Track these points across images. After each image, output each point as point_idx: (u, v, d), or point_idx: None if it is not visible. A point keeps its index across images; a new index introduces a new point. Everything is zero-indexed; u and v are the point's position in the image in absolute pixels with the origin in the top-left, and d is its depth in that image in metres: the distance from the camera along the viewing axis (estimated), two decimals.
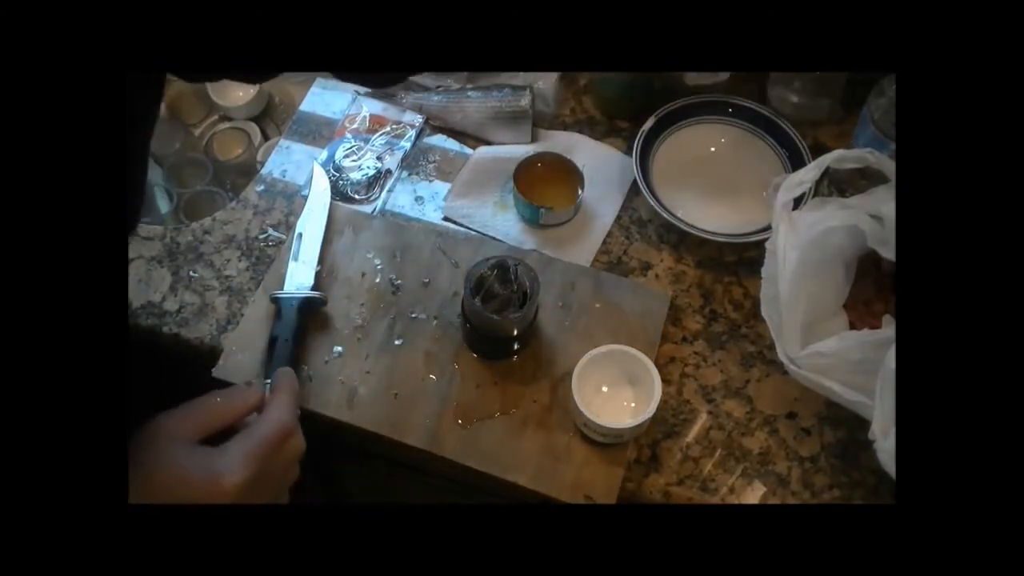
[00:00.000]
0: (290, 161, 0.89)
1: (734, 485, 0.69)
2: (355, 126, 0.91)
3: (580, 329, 0.75)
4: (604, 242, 0.82)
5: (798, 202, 0.76)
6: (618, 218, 0.83)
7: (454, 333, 0.75)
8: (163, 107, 1.10)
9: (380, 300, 0.77)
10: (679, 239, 0.82)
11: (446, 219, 0.84)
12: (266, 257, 0.82)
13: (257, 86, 1.06)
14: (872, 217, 0.65)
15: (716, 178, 0.85)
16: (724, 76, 0.87)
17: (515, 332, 0.71)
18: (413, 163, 0.88)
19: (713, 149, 0.86)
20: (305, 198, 0.84)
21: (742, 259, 0.80)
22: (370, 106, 0.92)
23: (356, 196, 0.86)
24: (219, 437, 0.54)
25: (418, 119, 0.90)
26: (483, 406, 0.71)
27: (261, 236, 0.83)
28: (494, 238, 0.82)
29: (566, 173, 0.83)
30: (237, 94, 1.09)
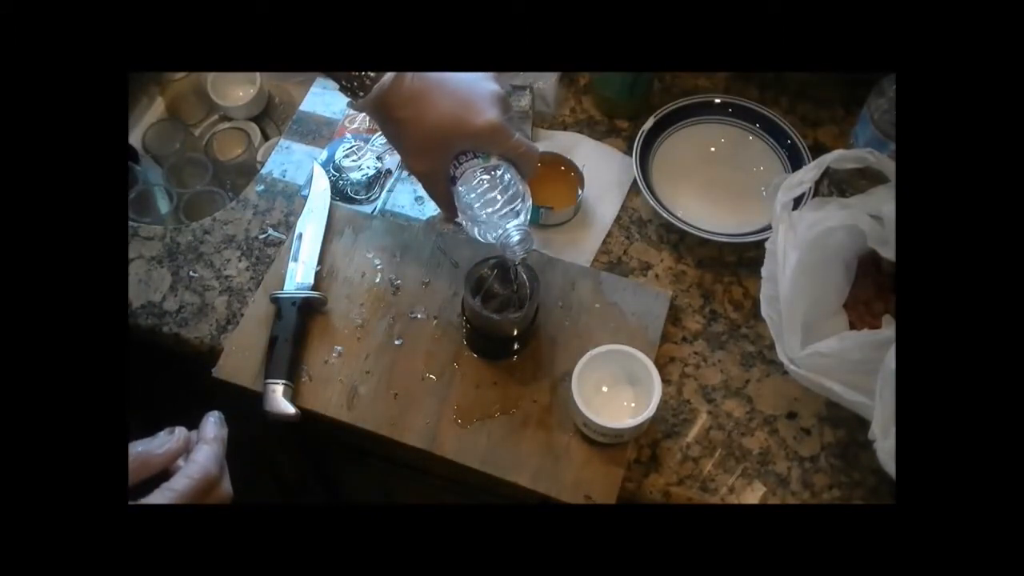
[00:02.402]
0: (290, 161, 0.89)
1: (734, 485, 0.69)
2: (355, 126, 0.91)
3: (580, 329, 0.75)
4: (604, 242, 0.82)
5: (798, 202, 0.76)
6: (618, 218, 0.83)
7: (454, 333, 0.75)
8: (163, 107, 1.10)
9: (380, 300, 0.77)
10: (679, 239, 0.82)
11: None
12: (266, 257, 0.82)
13: (257, 86, 1.06)
14: (872, 217, 0.65)
15: (716, 178, 0.85)
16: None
17: (515, 332, 0.71)
18: None
19: (713, 149, 0.86)
20: (305, 198, 0.84)
21: (742, 259, 0.80)
22: None
23: (356, 196, 0.86)
24: (146, 484, 0.51)
25: None
26: (483, 406, 0.71)
27: (261, 236, 0.83)
28: None
29: (566, 173, 0.83)
30: (237, 94, 1.09)
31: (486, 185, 0.65)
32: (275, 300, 0.75)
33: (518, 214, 0.65)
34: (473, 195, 0.65)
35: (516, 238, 0.64)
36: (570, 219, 0.83)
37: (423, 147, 0.66)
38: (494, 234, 0.65)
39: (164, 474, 0.52)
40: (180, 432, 0.55)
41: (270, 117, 1.11)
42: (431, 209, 0.85)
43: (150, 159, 1.04)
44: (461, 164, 0.66)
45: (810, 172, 0.67)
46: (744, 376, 0.74)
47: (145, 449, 0.53)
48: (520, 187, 0.66)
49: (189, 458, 0.53)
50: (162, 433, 0.55)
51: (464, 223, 0.68)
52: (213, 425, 0.57)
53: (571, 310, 0.76)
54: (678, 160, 0.85)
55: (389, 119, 0.66)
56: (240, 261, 0.82)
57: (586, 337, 0.74)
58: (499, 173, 0.65)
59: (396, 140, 0.69)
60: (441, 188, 0.69)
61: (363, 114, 0.91)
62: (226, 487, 0.54)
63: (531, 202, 0.67)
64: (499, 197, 0.64)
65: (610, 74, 0.86)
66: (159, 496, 0.50)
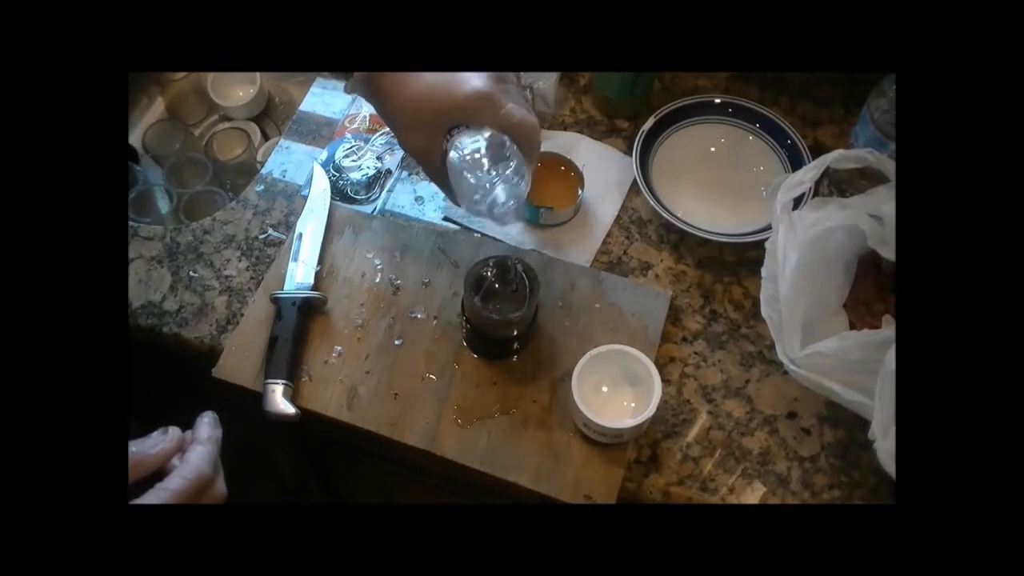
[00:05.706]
0: (290, 161, 0.89)
1: (734, 485, 0.69)
2: (355, 126, 0.91)
3: (580, 329, 0.75)
4: (604, 242, 0.82)
5: (798, 202, 0.76)
6: (618, 218, 0.83)
7: (454, 333, 0.75)
8: (163, 107, 1.10)
9: (380, 300, 0.77)
10: (679, 239, 0.82)
11: (446, 219, 0.84)
12: (266, 257, 0.82)
13: (257, 86, 1.06)
14: (872, 217, 0.65)
15: (716, 178, 0.85)
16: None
17: (515, 332, 0.71)
18: (413, 163, 0.88)
19: (713, 149, 0.86)
20: (305, 198, 0.84)
21: (742, 259, 0.80)
22: (370, 106, 0.92)
23: (356, 196, 0.86)
24: (143, 483, 0.51)
25: None
26: (483, 406, 0.71)
27: (261, 236, 0.83)
28: (494, 238, 0.82)
29: (566, 173, 0.83)
30: (237, 94, 1.09)
31: (479, 152, 0.62)
32: (275, 300, 0.75)
33: (516, 180, 0.63)
34: (462, 157, 0.62)
35: (505, 206, 0.63)
36: (570, 219, 0.83)
37: (412, 121, 0.65)
38: (485, 204, 0.63)
39: (158, 474, 0.52)
40: (174, 432, 0.55)
41: (270, 117, 1.11)
42: (431, 209, 0.85)
43: (150, 159, 1.04)
44: (453, 138, 0.64)
45: (810, 172, 0.67)
46: (744, 376, 0.74)
47: (139, 449, 0.53)
48: (515, 154, 0.63)
49: (183, 458, 0.53)
50: (155, 433, 0.55)
51: (459, 200, 0.66)
52: (207, 425, 0.57)
53: (571, 310, 0.76)
54: (678, 160, 0.85)
55: (378, 95, 0.65)
56: (240, 261, 0.82)
57: (586, 337, 0.74)
58: (493, 143, 0.63)
59: (387, 117, 0.68)
60: (437, 166, 0.66)
61: (363, 115, 0.91)
62: (220, 487, 0.54)
63: (529, 175, 0.65)
64: (488, 163, 0.62)
65: (610, 74, 0.86)
66: (153, 496, 0.50)
